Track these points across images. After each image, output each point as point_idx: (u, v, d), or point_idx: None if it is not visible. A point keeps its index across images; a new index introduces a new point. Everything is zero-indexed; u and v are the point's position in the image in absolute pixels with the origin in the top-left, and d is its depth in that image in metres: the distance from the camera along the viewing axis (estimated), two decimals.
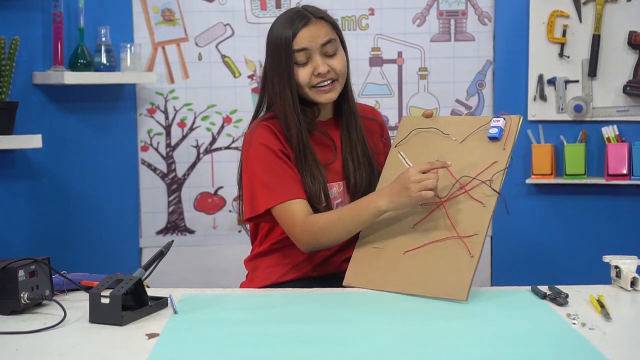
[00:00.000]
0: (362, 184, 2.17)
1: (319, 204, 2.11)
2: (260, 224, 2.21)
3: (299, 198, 2.06)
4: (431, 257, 1.89)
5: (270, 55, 2.14)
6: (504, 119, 1.97)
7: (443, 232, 1.90)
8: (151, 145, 3.51)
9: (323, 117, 2.22)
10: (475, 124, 2.00)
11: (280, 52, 2.10)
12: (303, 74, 2.10)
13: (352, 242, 2.07)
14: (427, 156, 2.00)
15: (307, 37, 2.09)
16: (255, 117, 2.23)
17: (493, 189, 1.90)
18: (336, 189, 2.18)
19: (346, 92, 2.19)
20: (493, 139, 1.95)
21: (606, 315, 1.70)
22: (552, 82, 3.48)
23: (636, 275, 1.92)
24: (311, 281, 2.10)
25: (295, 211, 2.05)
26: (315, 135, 2.17)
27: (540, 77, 3.48)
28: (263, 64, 2.22)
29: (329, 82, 2.12)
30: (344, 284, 1.98)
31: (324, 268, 2.16)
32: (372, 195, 2.00)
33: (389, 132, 2.40)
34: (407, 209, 1.96)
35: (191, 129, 3.52)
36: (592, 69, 3.42)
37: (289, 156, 2.12)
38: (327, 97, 2.13)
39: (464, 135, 2.00)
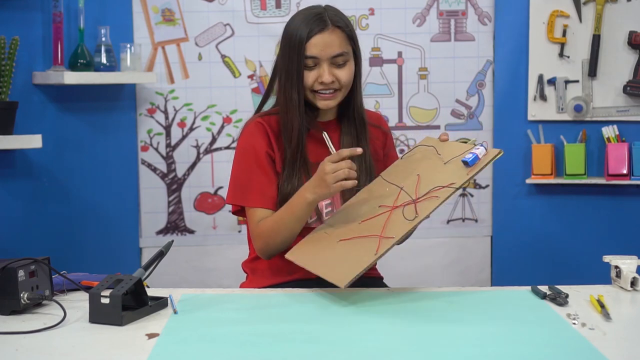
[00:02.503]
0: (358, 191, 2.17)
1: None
2: None
3: (262, 207, 2.13)
4: (348, 248, 1.95)
5: (283, 49, 2.15)
6: (485, 148, 2.00)
7: (374, 230, 1.96)
8: (151, 145, 3.51)
9: (324, 118, 2.23)
10: (464, 149, 2.04)
11: (293, 51, 2.11)
12: (308, 78, 2.12)
13: None
14: (408, 171, 2.06)
15: (320, 45, 2.10)
16: (261, 105, 2.26)
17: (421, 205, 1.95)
18: None
19: (354, 101, 2.19)
20: (465, 163, 1.98)
21: (606, 315, 1.71)
22: (552, 82, 3.47)
23: (636, 275, 1.93)
24: (311, 283, 2.10)
25: (257, 218, 2.13)
26: (312, 133, 2.19)
27: (540, 77, 3.48)
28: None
29: (331, 90, 2.14)
30: (285, 256, 2.04)
31: None
32: (301, 190, 2.06)
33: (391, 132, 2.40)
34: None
35: (191, 129, 3.52)
36: (592, 69, 3.42)
37: (274, 157, 2.15)
38: (325, 103, 2.15)
39: (450, 158, 2.04)
